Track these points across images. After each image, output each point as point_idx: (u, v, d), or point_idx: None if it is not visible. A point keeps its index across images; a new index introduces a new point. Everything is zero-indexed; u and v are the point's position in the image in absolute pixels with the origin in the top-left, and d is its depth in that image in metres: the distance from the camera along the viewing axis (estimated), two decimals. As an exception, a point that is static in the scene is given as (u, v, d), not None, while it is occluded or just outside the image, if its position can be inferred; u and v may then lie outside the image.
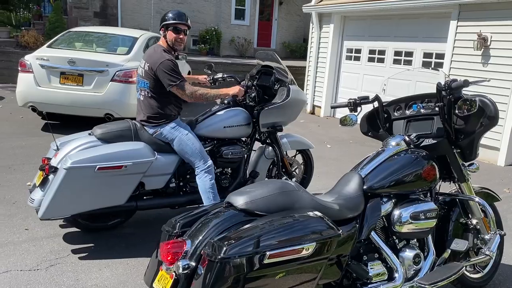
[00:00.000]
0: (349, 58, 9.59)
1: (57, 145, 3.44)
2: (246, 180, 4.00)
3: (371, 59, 9.04)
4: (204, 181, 3.48)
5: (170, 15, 3.50)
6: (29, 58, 6.40)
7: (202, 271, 1.81)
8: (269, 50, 17.40)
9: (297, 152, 4.52)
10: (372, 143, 6.39)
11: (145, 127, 3.50)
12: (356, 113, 2.89)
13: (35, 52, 6.62)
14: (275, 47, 17.64)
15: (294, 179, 4.31)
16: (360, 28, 9.26)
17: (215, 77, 4.19)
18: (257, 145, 4.12)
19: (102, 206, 3.31)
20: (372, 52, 9.00)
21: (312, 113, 10.19)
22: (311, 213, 2.04)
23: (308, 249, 1.90)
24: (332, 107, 3.11)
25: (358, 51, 9.34)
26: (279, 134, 4.13)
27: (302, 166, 4.55)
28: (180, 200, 3.69)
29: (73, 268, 3.09)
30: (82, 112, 6.39)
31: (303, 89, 10.75)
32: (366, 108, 2.91)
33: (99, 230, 3.64)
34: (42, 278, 2.92)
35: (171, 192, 3.67)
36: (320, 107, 10.01)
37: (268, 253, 1.80)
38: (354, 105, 2.85)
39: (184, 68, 9.29)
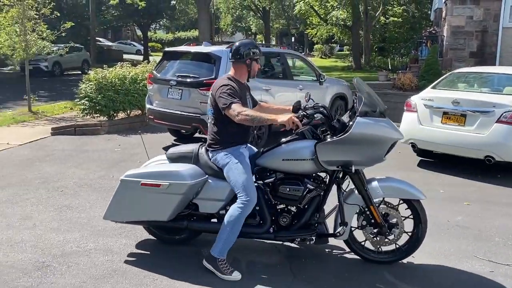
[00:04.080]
0: None
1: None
2: (311, 224, 3.54)
3: None
4: (233, 211, 3.34)
5: (256, 49, 3.56)
6: (415, 99, 6.87)
7: None
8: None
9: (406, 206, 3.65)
10: None
11: (208, 152, 3.60)
12: None
13: (421, 93, 7.07)
14: None
15: (387, 237, 3.61)
16: None
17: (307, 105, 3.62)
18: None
19: (147, 219, 3.64)
20: None
21: None
22: None
23: None
24: None
25: None
26: (375, 176, 3.63)
27: (401, 220, 3.63)
28: None
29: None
30: (460, 153, 6.35)
31: None
32: None
33: (172, 242, 3.93)
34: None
35: None
36: None
37: None
38: None
39: None
